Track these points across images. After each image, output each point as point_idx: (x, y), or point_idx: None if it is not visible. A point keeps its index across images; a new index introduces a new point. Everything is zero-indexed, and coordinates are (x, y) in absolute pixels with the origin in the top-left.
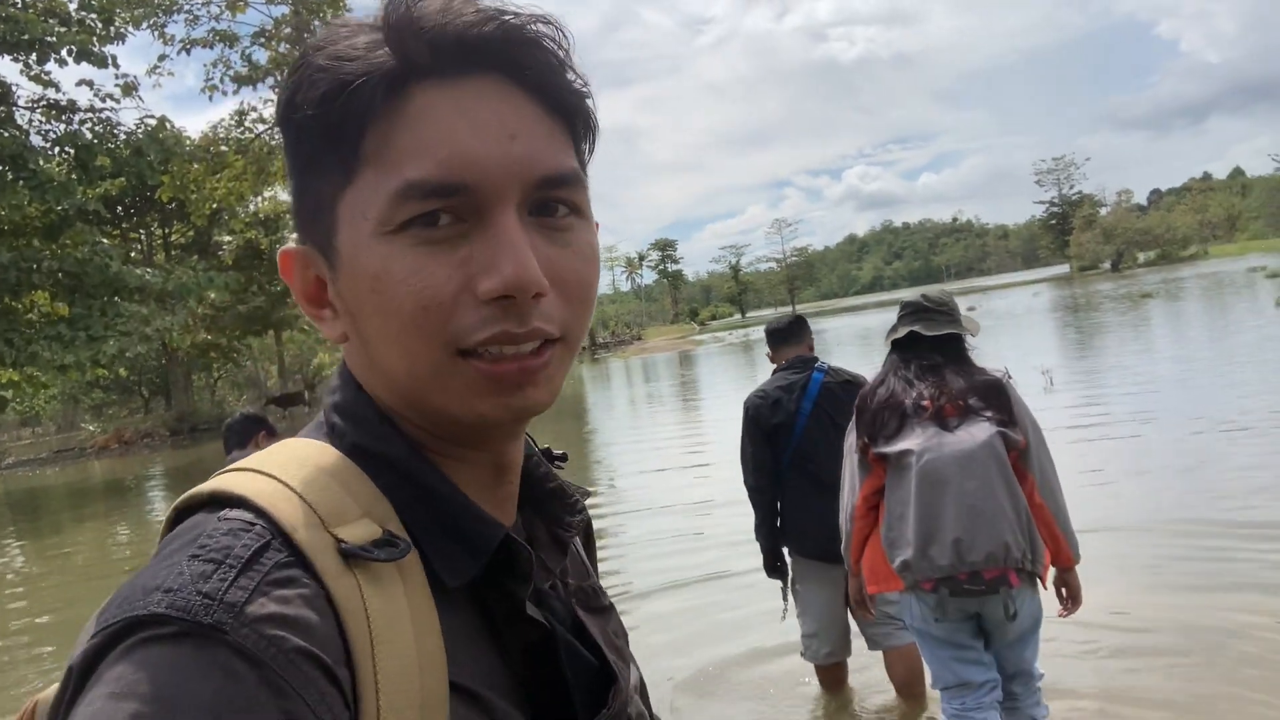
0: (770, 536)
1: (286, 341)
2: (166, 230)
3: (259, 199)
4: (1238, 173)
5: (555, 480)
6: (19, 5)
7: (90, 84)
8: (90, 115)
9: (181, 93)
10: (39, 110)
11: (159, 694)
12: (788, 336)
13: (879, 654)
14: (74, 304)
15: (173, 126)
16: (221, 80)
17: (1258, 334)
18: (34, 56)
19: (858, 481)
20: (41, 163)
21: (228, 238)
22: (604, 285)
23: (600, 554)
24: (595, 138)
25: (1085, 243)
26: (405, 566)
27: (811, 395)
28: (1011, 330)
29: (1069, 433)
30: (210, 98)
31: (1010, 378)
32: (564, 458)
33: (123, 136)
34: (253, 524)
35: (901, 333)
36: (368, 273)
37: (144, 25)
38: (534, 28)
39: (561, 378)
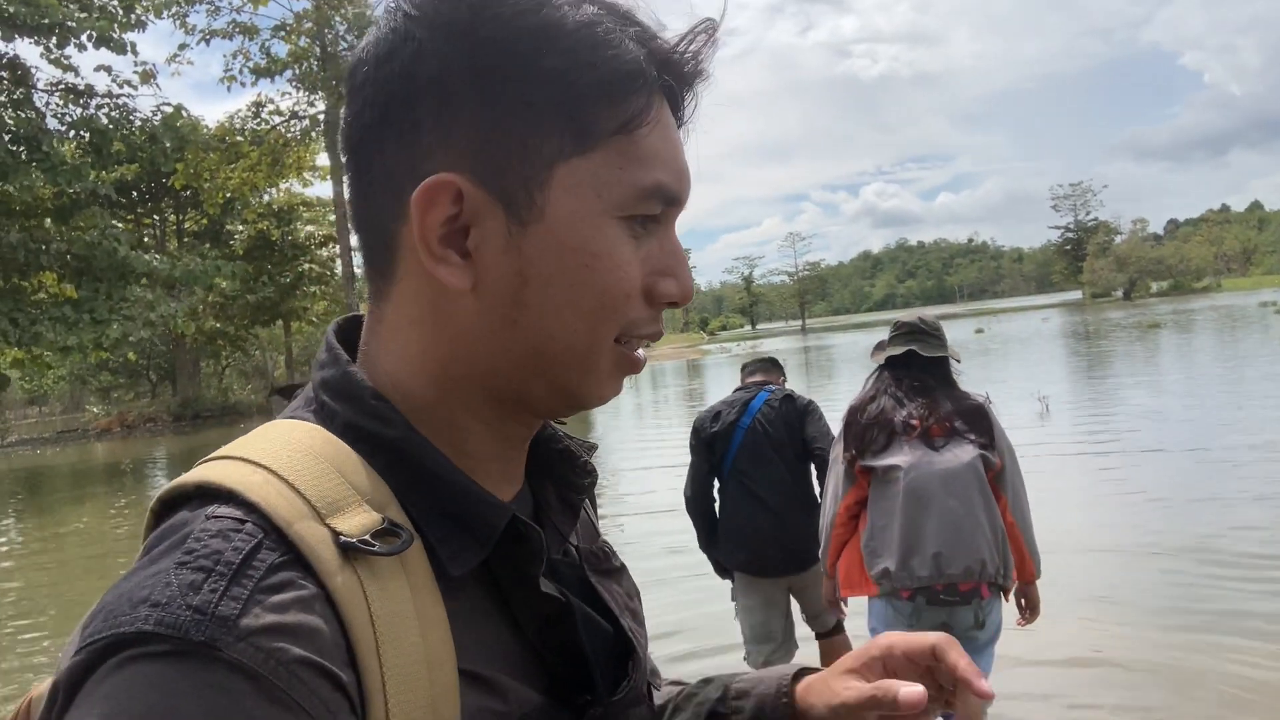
0: (706, 544)
1: (295, 332)
2: (180, 217)
3: (273, 190)
4: (1256, 206)
5: (562, 441)
6: None
7: (109, 70)
8: (107, 101)
9: (205, 81)
10: (57, 94)
11: (149, 715)
12: (759, 368)
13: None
14: (81, 286)
15: (189, 115)
16: (240, 72)
17: (1263, 370)
18: (54, 40)
19: (841, 490)
20: (55, 145)
21: (240, 227)
22: None
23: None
24: None
25: (1099, 270)
26: (408, 556)
27: (752, 411)
28: (1017, 354)
29: (1057, 459)
30: (229, 88)
31: (990, 403)
32: (562, 421)
33: (138, 123)
34: (243, 521)
35: (899, 350)
36: (587, 248)
37: (165, 14)
38: (705, 81)
39: None
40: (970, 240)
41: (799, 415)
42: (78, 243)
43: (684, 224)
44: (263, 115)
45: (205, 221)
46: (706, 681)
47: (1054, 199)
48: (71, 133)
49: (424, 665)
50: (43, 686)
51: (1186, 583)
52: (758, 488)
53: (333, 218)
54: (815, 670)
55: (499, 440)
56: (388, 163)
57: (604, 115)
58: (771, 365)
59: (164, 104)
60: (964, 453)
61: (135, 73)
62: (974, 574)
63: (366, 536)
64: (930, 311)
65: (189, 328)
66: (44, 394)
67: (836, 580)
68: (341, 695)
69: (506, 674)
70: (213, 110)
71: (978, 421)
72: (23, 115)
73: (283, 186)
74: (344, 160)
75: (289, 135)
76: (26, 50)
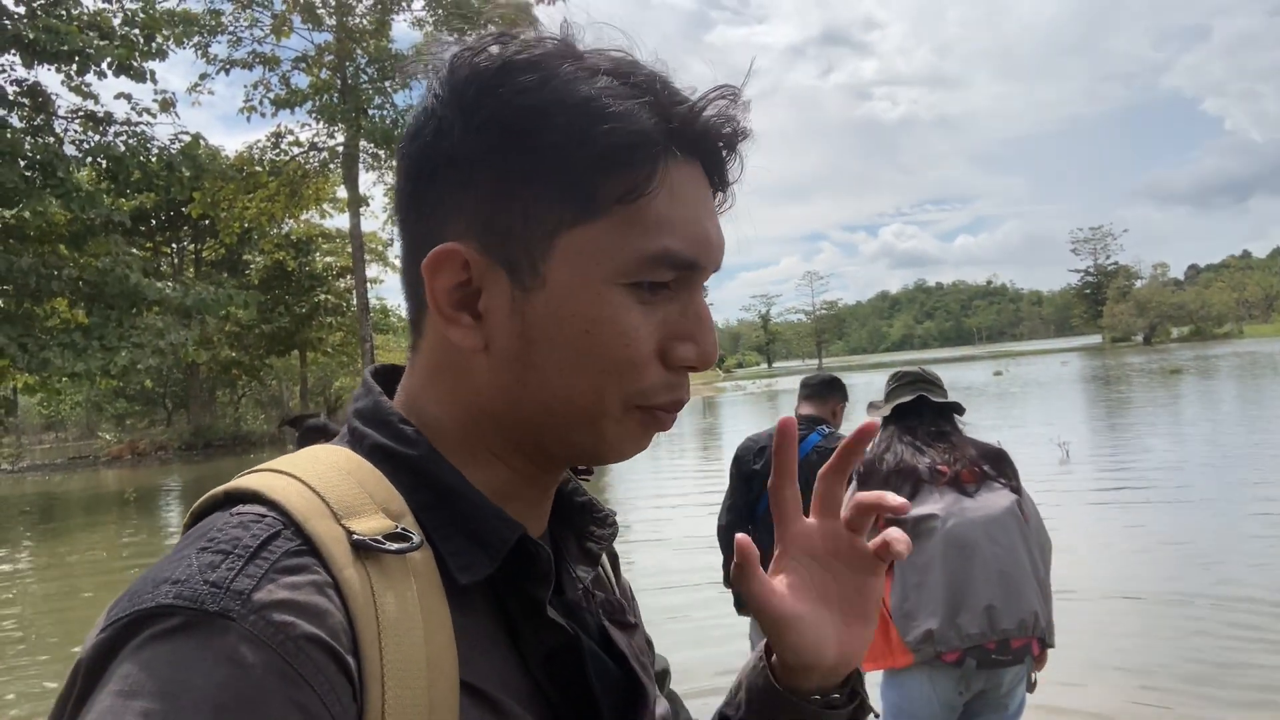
0: (728, 575)
1: (310, 363)
2: (198, 246)
3: (291, 221)
4: (1278, 253)
5: (585, 495)
6: (63, 17)
7: (128, 98)
8: (126, 128)
9: (228, 113)
10: (76, 120)
11: (167, 689)
12: (812, 394)
13: None
14: (92, 313)
15: (207, 144)
16: (261, 102)
17: None
18: (74, 67)
19: None
20: (71, 171)
21: (257, 257)
22: None
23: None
24: None
25: (1119, 314)
26: (417, 563)
27: (801, 452)
28: (1037, 399)
29: (1080, 507)
30: (249, 119)
31: (1006, 449)
32: (589, 470)
33: (156, 151)
34: (264, 515)
35: (909, 398)
36: (587, 314)
37: (186, 43)
38: (743, 140)
39: None
40: (989, 282)
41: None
42: (90, 269)
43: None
44: (282, 146)
45: (223, 251)
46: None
47: (1074, 242)
48: (88, 159)
49: (424, 665)
50: None
51: (1205, 631)
52: None
53: (350, 249)
54: None
55: (521, 481)
56: (417, 229)
57: (604, 186)
58: (828, 390)
59: (182, 133)
60: (1000, 498)
61: (155, 101)
62: (1028, 628)
63: (378, 536)
64: (948, 353)
65: (200, 356)
66: (61, 419)
67: None
68: (345, 678)
69: (510, 698)
70: (233, 140)
71: (1004, 466)
72: (40, 141)
73: (301, 218)
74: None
75: (308, 166)
76: (47, 77)
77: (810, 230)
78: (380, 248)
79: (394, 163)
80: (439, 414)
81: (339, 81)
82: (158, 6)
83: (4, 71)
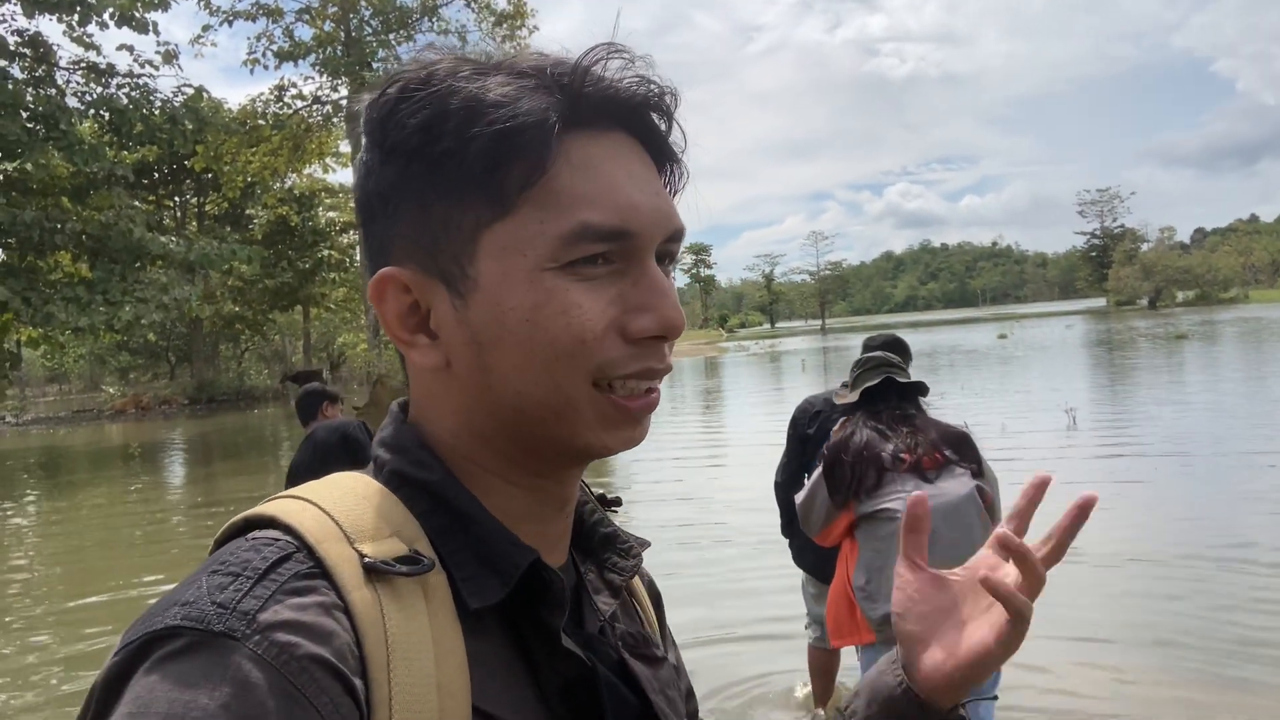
0: (788, 532)
1: (314, 318)
2: (201, 200)
3: (294, 176)
4: None
5: (610, 526)
6: None
7: (130, 49)
8: (128, 80)
9: (231, 64)
10: (79, 72)
11: (173, 710)
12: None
13: None
14: (95, 267)
15: (210, 97)
16: (264, 54)
17: None
18: (76, 17)
19: (819, 527)
20: (74, 123)
21: (260, 212)
22: None
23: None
24: (680, 197)
25: (1124, 277)
26: (430, 587)
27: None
28: (1042, 363)
29: (1088, 474)
30: (251, 71)
31: (970, 430)
32: (617, 502)
33: (159, 104)
34: (277, 539)
35: (875, 380)
36: (524, 304)
37: None
38: (668, 98)
39: None
40: (994, 243)
41: None
42: (93, 223)
43: (707, 219)
44: (285, 99)
45: (226, 205)
46: None
47: (1080, 204)
48: (91, 112)
49: (434, 689)
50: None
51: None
52: None
53: (353, 205)
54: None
55: (531, 499)
56: (368, 266)
57: (504, 178)
58: (893, 348)
59: (185, 85)
60: (960, 484)
61: (157, 53)
62: None
63: (389, 559)
64: (952, 314)
65: (204, 311)
66: (64, 372)
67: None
68: (351, 700)
69: None
70: (236, 93)
71: (966, 449)
72: (42, 93)
73: (304, 172)
74: None
75: (311, 120)
76: (48, 27)
77: (815, 189)
78: None
79: None
80: (442, 438)
81: (343, 34)
82: None
83: (4, 21)
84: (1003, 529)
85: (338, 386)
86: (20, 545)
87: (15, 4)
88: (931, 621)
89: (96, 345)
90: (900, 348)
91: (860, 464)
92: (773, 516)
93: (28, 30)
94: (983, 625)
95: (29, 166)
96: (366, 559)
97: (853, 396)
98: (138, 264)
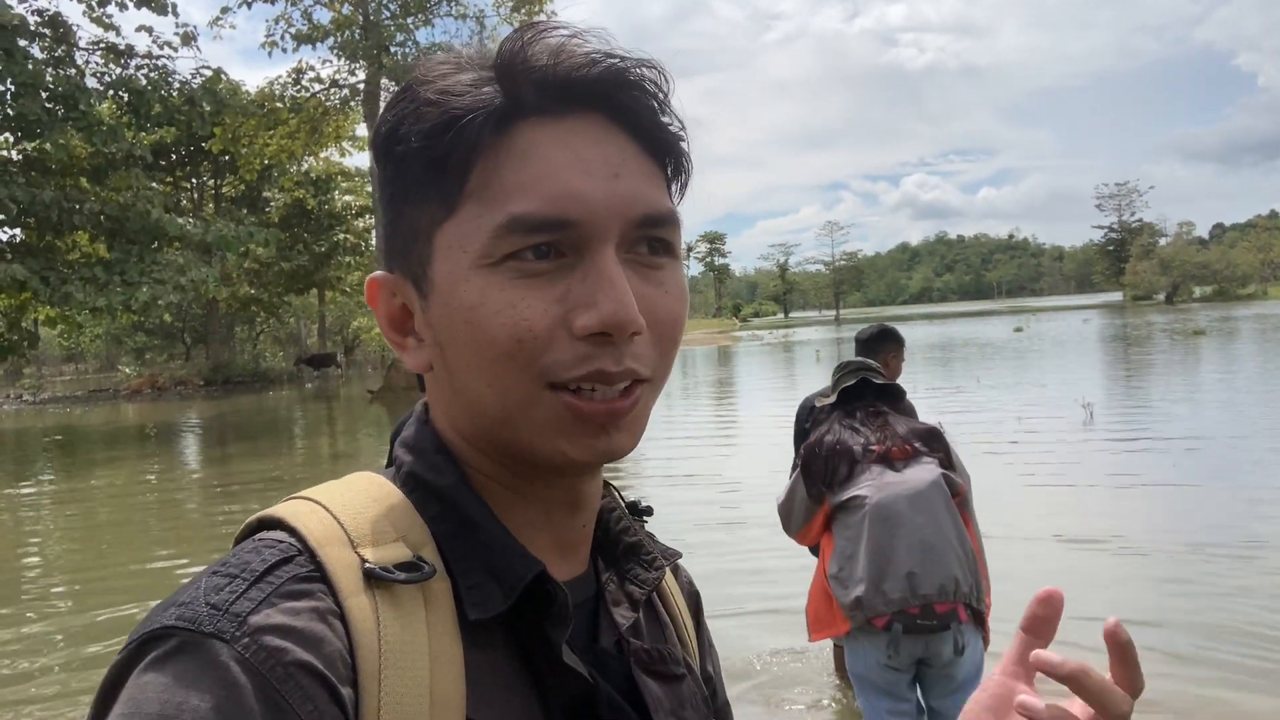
0: None
1: (329, 301)
2: (219, 182)
3: (311, 159)
4: None
5: (635, 535)
6: None
7: (149, 30)
8: (147, 62)
9: (249, 47)
10: (98, 53)
11: (162, 712)
12: (864, 349)
13: None
14: (113, 248)
15: (228, 79)
16: (282, 37)
17: None
18: None
19: (800, 523)
20: (93, 104)
21: (277, 194)
22: None
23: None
24: (689, 180)
25: (1141, 272)
26: (432, 595)
27: None
28: (1058, 357)
29: (1103, 469)
30: (270, 54)
31: (944, 430)
32: (649, 511)
33: (177, 85)
34: (280, 541)
35: (852, 380)
36: (464, 304)
37: None
38: (638, 71)
39: (645, 420)
40: (1011, 236)
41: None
42: (111, 203)
43: (722, 207)
44: (303, 82)
45: (243, 188)
46: None
47: (1098, 198)
48: (110, 92)
49: (427, 699)
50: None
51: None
52: None
53: (369, 189)
54: None
55: (536, 507)
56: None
57: (446, 174)
58: (879, 341)
59: (203, 67)
60: (927, 473)
61: (176, 34)
62: (949, 593)
63: (390, 565)
64: (967, 307)
65: (220, 293)
66: (81, 351)
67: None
68: (338, 708)
69: None
70: (254, 76)
71: (935, 443)
72: (62, 73)
73: (321, 155)
74: None
75: (328, 104)
76: (68, 7)
77: (831, 179)
78: None
79: None
80: (452, 440)
81: (360, 17)
82: None
83: (25, 1)
84: (1035, 653)
85: (353, 370)
86: (38, 522)
87: None
88: None
89: (113, 325)
90: (888, 336)
91: (833, 457)
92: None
93: (48, 10)
94: None
95: (48, 146)
96: (367, 564)
97: (831, 398)
98: (155, 245)
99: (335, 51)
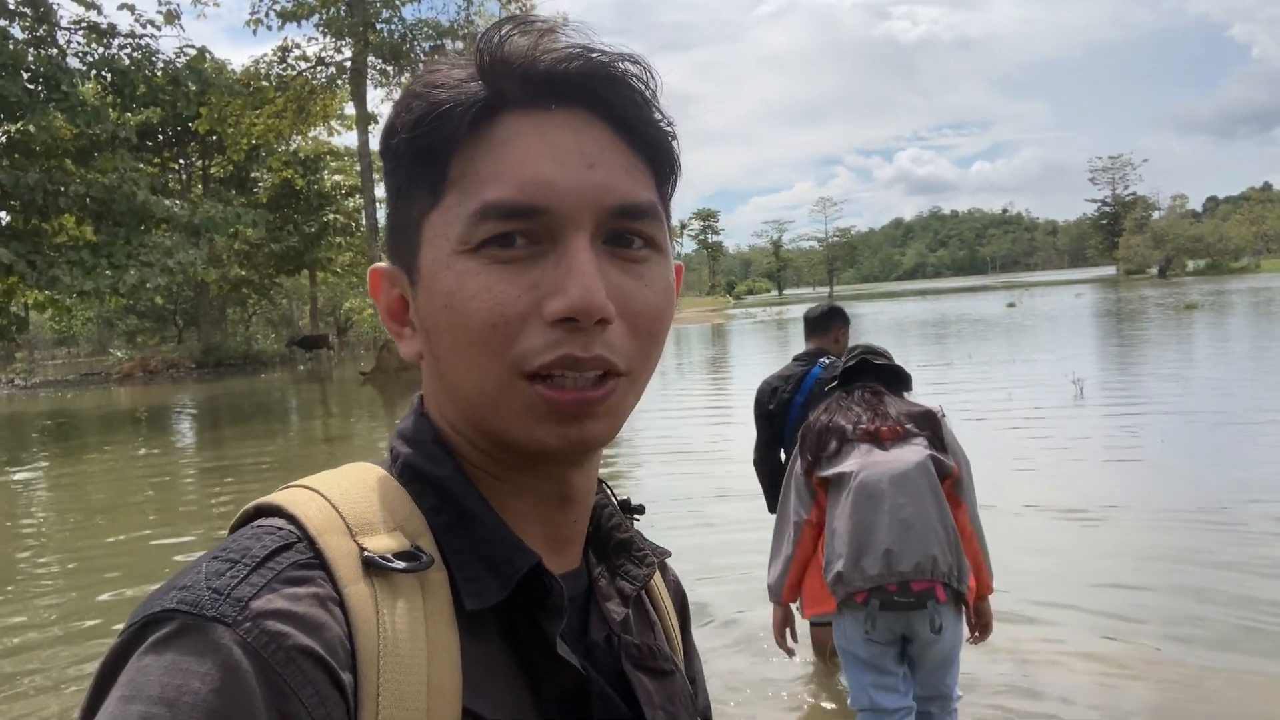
0: (771, 505)
1: (320, 282)
2: (206, 163)
3: (299, 138)
4: None
5: (627, 532)
6: None
7: (132, 9)
8: (130, 41)
9: (234, 25)
10: (79, 32)
11: (162, 694)
12: (814, 327)
13: None
14: (100, 230)
15: (213, 58)
16: (266, 15)
17: None
18: None
19: (800, 509)
20: (75, 84)
21: (265, 175)
22: None
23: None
24: (677, 177)
25: (1134, 246)
26: (429, 585)
27: (805, 389)
28: (1050, 333)
29: (1092, 444)
30: (254, 31)
31: (944, 414)
32: (640, 509)
33: (161, 64)
34: (280, 528)
35: (853, 360)
36: (443, 289)
37: None
38: (620, 65)
39: (625, 413)
40: (1005, 210)
41: None
42: (96, 185)
43: (713, 184)
44: (289, 60)
45: (230, 168)
46: None
47: (1092, 171)
48: (92, 73)
49: (424, 688)
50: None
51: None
52: None
53: (358, 168)
54: None
55: (526, 499)
56: None
57: (430, 166)
58: (828, 320)
59: (187, 46)
60: (913, 453)
61: (159, 13)
62: (925, 571)
63: (389, 554)
64: (961, 282)
65: (210, 275)
66: (73, 335)
67: (789, 607)
68: (338, 693)
69: None
70: (239, 54)
71: (928, 425)
72: (43, 54)
73: (309, 135)
74: None
75: (315, 82)
76: None
77: (825, 154)
78: None
79: (402, 80)
80: (446, 431)
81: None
82: None
83: None
84: None
85: (345, 352)
86: (32, 505)
87: None
88: None
89: (103, 309)
90: (836, 315)
91: (825, 433)
92: None
93: None
94: None
95: (31, 128)
96: (366, 553)
97: (834, 371)
98: (142, 227)
99: (321, 29)
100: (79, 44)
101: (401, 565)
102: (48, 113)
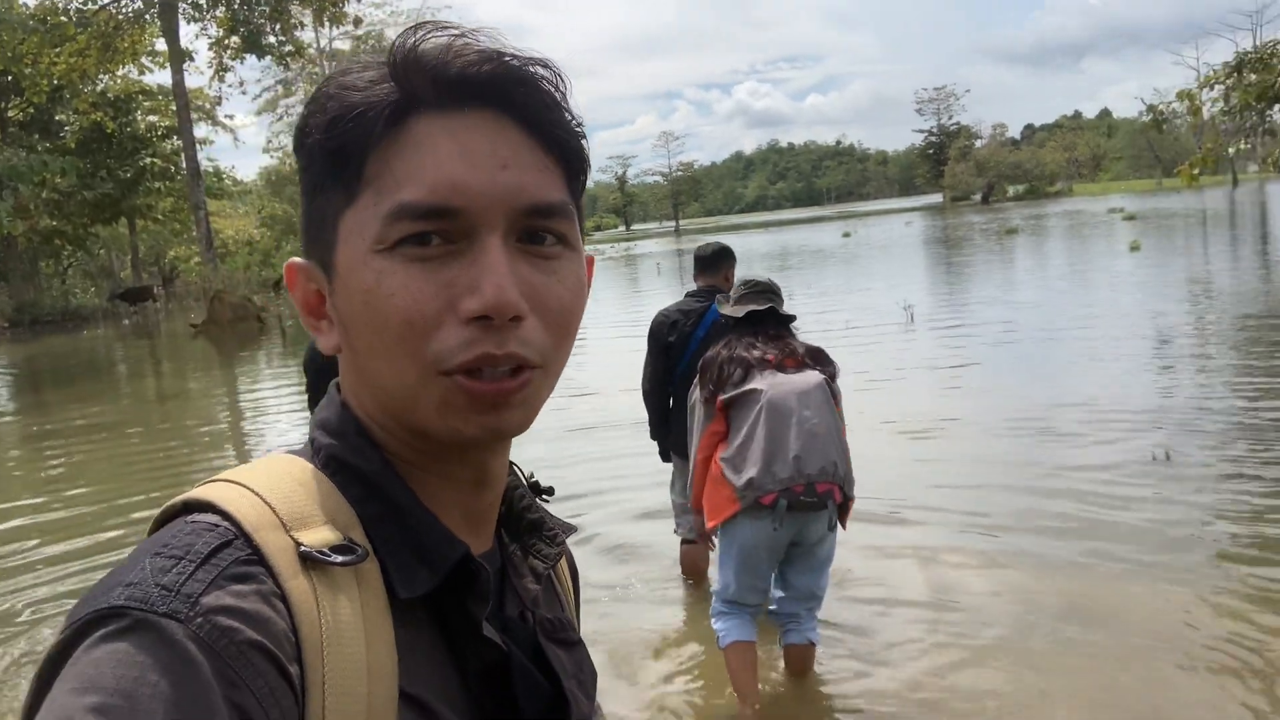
0: (658, 434)
1: (141, 231)
2: (3, 105)
3: (107, 78)
4: (1105, 114)
5: (537, 512)
6: None
7: None
8: None
9: None
10: None
11: (118, 686)
12: (705, 265)
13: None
14: None
15: None
16: None
17: (1111, 276)
18: None
19: (703, 429)
20: None
21: (72, 118)
22: None
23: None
24: (587, 176)
25: (959, 174)
26: (363, 575)
27: (705, 324)
28: (883, 261)
29: (922, 371)
30: None
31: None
32: (550, 491)
33: None
34: (216, 525)
35: (763, 306)
36: (361, 287)
37: None
38: (531, 69)
39: (540, 402)
40: (838, 142)
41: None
42: None
43: None
44: None
45: (31, 111)
46: None
47: (918, 102)
48: None
49: (364, 674)
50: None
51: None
52: None
53: (174, 108)
54: None
55: (444, 484)
56: None
57: (345, 165)
58: (719, 259)
59: None
60: (812, 377)
61: None
62: (828, 474)
63: (325, 549)
64: (799, 214)
65: (16, 228)
66: None
67: (704, 516)
68: (286, 684)
69: (448, 708)
70: None
71: (822, 358)
72: None
73: (118, 74)
74: None
75: (120, 17)
76: None
77: (665, 88)
78: (209, 105)
79: (217, 14)
80: (364, 423)
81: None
82: None
83: None
84: None
85: (172, 304)
86: None
87: None
88: None
89: None
90: (726, 254)
91: (730, 364)
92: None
93: None
94: None
95: None
96: (303, 548)
97: (739, 313)
98: None
99: None
100: None
101: (338, 559)
102: None
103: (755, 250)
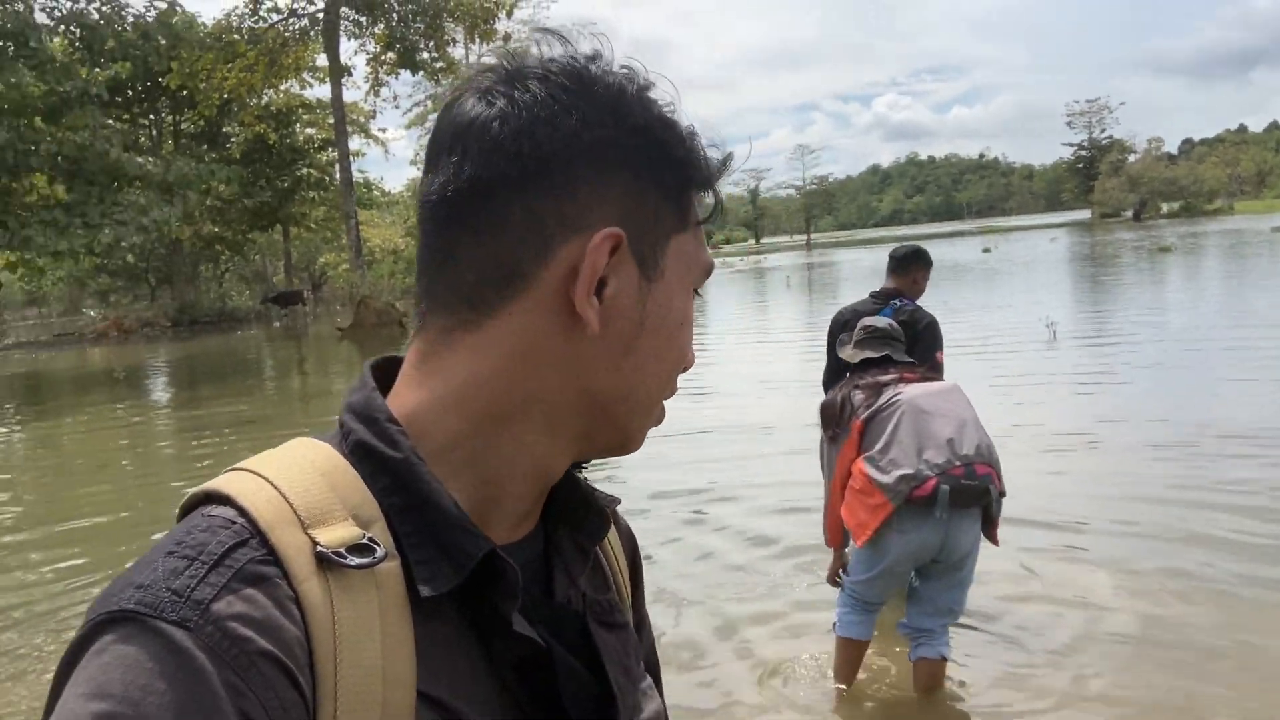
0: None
1: (294, 238)
2: (177, 118)
3: (271, 92)
4: (1274, 127)
5: (582, 487)
6: None
7: None
8: None
9: None
10: None
11: (125, 694)
12: (896, 267)
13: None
14: (72, 189)
15: (183, 11)
16: None
17: (1272, 296)
18: None
19: (833, 461)
20: (44, 41)
21: (237, 130)
22: None
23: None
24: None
25: (1110, 189)
26: (383, 574)
27: None
28: (1024, 278)
29: (1065, 387)
30: None
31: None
32: (584, 462)
33: (131, 19)
34: (232, 522)
35: (877, 354)
36: (682, 310)
37: None
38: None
39: None
40: (981, 156)
41: (914, 334)
42: (68, 144)
43: None
44: (260, 13)
45: (202, 123)
46: None
47: (1069, 115)
48: (61, 28)
49: (379, 680)
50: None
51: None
52: None
53: (330, 121)
54: None
55: (527, 479)
56: (534, 209)
57: (698, 204)
58: (910, 261)
59: (157, 0)
60: (948, 383)
61: None
62: (984, 456)
63: (341, 549)
64: (937, 229)
65: (183, 232)
66: (43, 295)
67: (843, 552)
68: (297, 694)
69: (471, 706)
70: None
71: (941, 374)
72: (9, 9)
73: (281, 88)
74: (455, 199)
75: (287, 34)
76: None
77: (803, 100)
78: (363, 119)
79: (376, 30)
80: (446, 406)
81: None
82: None
83: None
84: None
85: (320, 308)
86: (7, 470)
87: None
88: None
89: (76, 268)
90: (919, 257)
91: (849, 400)
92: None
93: None
94: None
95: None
96: (319, 548)
97: (854, 358)
98: (115, 185)
99: None
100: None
101: (355, 561)
102: (16, 69)
103: (884, 264)
